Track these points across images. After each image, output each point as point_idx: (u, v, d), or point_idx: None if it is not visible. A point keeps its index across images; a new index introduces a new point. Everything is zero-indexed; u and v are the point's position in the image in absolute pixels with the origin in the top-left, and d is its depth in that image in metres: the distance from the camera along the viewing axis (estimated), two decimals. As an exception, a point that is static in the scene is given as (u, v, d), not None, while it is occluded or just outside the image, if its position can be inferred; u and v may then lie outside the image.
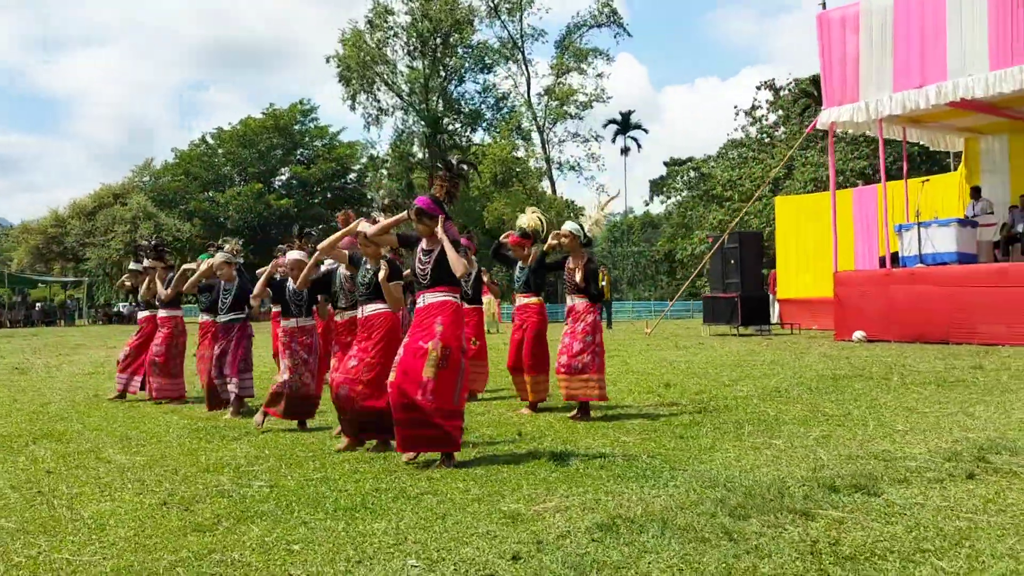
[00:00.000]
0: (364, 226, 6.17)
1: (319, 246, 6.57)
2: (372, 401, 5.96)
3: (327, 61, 52.56)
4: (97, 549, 3.74)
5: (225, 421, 7.74)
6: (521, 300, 7.95)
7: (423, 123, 51.51)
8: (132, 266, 10.59)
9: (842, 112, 15.81)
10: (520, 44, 48.07)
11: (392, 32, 51.14)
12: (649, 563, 3.31)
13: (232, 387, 8.17)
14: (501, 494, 4.46)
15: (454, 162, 5.66)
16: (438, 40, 50.77)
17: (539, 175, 47.17)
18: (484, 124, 52.52)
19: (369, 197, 54.35)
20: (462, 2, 49.58)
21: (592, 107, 46.02)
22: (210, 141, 55.13)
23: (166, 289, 9.63)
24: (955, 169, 19.74)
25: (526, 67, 48.37)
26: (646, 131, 76.42)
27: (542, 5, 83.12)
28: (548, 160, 46.69)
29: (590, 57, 46.40)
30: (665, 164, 53.50)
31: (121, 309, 49.34)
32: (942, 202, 18.33)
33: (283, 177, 56.62)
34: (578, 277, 7.15)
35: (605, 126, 50.33)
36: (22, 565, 3.56)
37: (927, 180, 17.23)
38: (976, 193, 17.12)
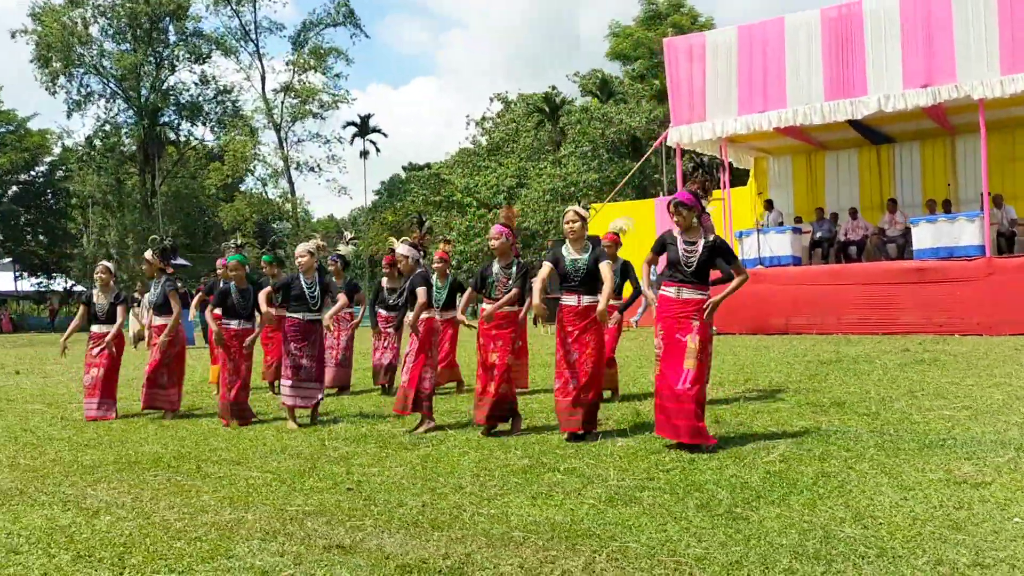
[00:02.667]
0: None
1: None
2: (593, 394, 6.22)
3: (12, 36, 46.50)
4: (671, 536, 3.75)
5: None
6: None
7: (132, 112, 47.27)
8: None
9: (691, 130, 17.61)
10: (255, 36, 45.95)
11: (99, 10, 46.35)
12: None
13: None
14: (855, 473, 4.97)
15: (705, 161, 6.08)
16: (147, 24, 46.91)
17: (276, 175, 45.46)
18: (203, 118, 49.31)
19: (72, 190, 48.68)
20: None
21: (338, 107, 45.31)
22: None
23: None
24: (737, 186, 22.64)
25: (260, 61, 46.37)
26: (385, 135, 76.29)
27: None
28: (286, 160, 45.15)
29: (330, 57, 45.63)
30: (404, 169, 54.05)
31: None
32: (736, 212, 21.03)
33: (-44, 168, 48.87)
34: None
35: (344, 127, 49.67)
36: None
37: (761, 193, 19.71)
38: (769, 205, 19.85)
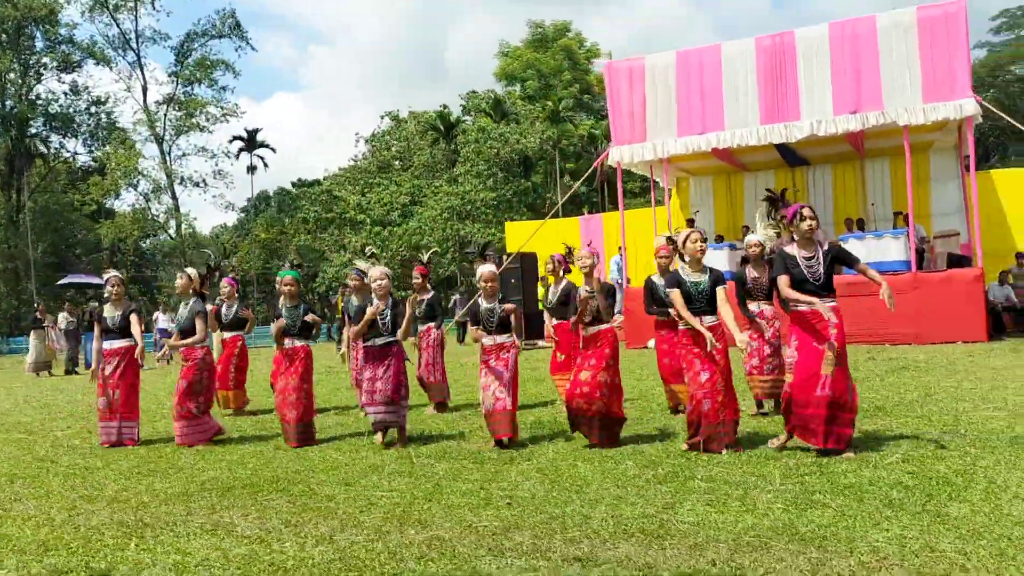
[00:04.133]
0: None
1: None
2: (729, 412, 6.30)
3: None
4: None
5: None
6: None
7: (-1, 124, 44.23)
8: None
9: (632, 150, 18.11)
10: (135, 45, 43.88)
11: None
12: None
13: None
14: (989, 470, 5.33)
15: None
16: (12, 29, 44.10)
17: (159, 190, 43.43)
18: (74, 130, 46.58)
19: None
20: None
21: (228, 121, 43.73)
22: None
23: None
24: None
25: (141, 71, 44.30)
26: (274, 150, 74.43)
27: (163, 6, 76.28)
28: (170, 175, 43.19)
29: (217, 70, 44.09)
30: (294, 185, 52.64)
31: None
32: (650, 231, 21.72)
33: None
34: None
35: (231, 142, 47.93)
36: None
37: (698, 211, 20.43)
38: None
